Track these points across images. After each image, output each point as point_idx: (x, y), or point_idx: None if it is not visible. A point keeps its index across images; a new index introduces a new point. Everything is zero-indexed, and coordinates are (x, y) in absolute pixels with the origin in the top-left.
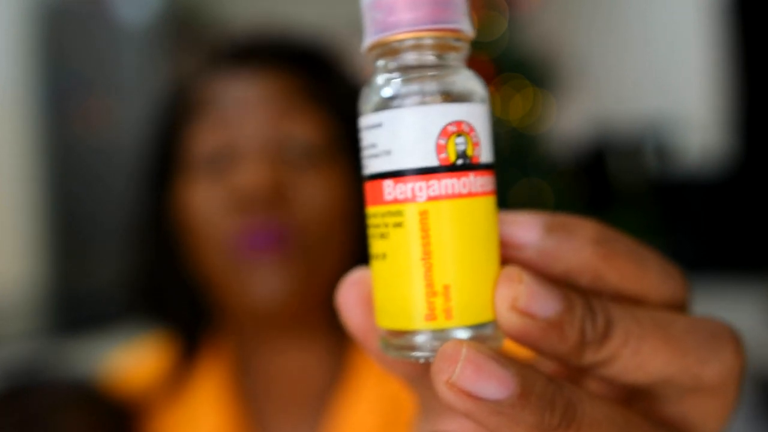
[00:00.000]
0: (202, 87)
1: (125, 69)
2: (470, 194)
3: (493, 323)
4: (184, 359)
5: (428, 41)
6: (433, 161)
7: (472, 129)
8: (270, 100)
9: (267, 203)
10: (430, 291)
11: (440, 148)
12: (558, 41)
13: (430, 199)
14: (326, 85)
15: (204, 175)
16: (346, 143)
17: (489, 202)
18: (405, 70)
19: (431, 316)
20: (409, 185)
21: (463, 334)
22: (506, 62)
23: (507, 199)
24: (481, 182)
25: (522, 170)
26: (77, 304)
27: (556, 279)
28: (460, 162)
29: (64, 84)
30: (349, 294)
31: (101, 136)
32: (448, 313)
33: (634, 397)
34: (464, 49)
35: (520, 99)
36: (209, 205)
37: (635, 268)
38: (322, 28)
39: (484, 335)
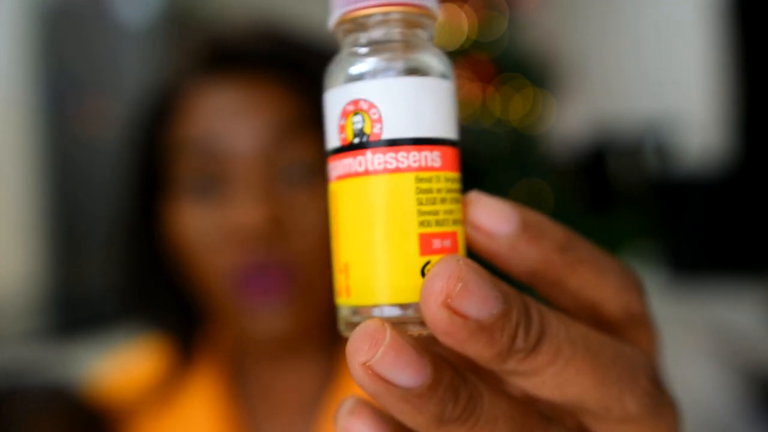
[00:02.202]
0: (185, 101)
1: (125, 69)
2: (366, 173)
3: (413, 307)
4: (177, 363)
5: (396, 15)
6: (336, 142)
7: (372, 105)
8: (262, 125)
9: (264, 239)
10: (337, 267)
11: (341, 129)
12: (558, 41)
13: (337, 179)
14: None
15: (192, 196)
16: None
17: (396, 180)
18: (367, 46)
19: (338, 292)
20: (329, 166)
21: (390, 312)
22: (506, 62)
23: (507, 199)
24: (381, 160)
25: (522, 170)
26: (76, 304)
27: (515, 276)
28: (356, 141)
29: (64, 84)
30: None
31: (101, 136)
32: (347, 291)
33: (540, 402)
34: (430, 27)
35: (520, 99)
36: (203, 232)
37: (596, 277)
38: (323, 28)
39: (409, 318)
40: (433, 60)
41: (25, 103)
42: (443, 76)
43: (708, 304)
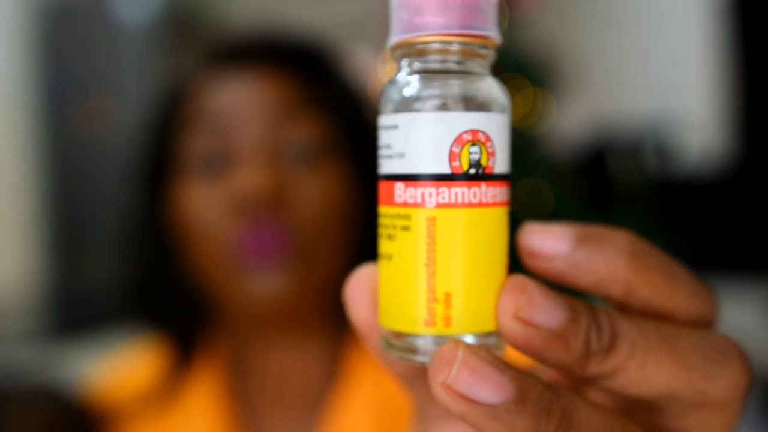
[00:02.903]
0: (197, 87)
1: (125, 69)
2: (480, 204)
3: (497, 334)
4: (178, 362)
5: (455, 46)
6: (445, 168)
7: (488, 138)
8: (267, 102)
9: (267, 205)
10: (432, 297)
11: (453, 156)
12: (558, 41)
13: (440, 206)
14: (324, 86)
15: (200, 177)
16: (345, 144)
17: (500, 213)
18: (428, 72)
19: (431, 322)
20: (420, 190)
21: (468, 340)
22: (506, 62)
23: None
24: (492, 193)
25: (522, 170)
26: (76, 304)
27: (586, 290)
28: (473, 171)
29: (64, 84)
30: (356, 288)
31: (101, 136)
32: (447, 321)
33: (638, 410)
34: (490, 57)
35: (520, 99)
36: (206, 207)
37: (667, 284)
38: (323, 29)
39: (487, 343)
40: (501, 95)
41: (25, 103)
42: (509, 111)
43: None
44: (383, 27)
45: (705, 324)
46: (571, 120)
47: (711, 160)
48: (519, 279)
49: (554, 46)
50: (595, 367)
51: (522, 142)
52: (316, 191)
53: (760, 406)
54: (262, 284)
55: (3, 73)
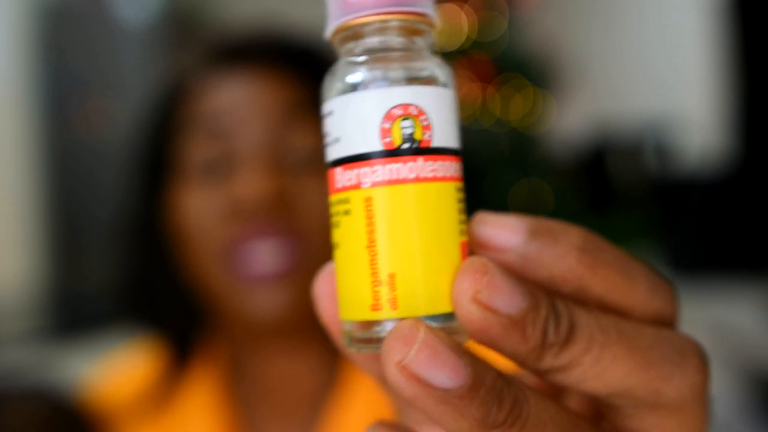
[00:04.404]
0: (196, 88)
1: (125, 69)
2: (418, 179)
3: (452, 316)
4: (175, 365)
5: (393, 24)
6: (377, 145)
7: (421, 112)
8: (268, 103)
9: (268, 212)
10: (375, 280)
11: (385, 132)
12: (558, 41)
13: (375, 185)
14: None
15: (200, 181)
16: None
17: (444, 188)
18: (365, 54)
19: (377, 305)
20: (355, 171)
21: (428, 323)
22: (506, 62)
23: (507, 199)
24: (432, 167)
25: (522, 170)
26: (76, 304)
27: (538, 285)
28: (406, 146)
29: (64, 84)
30: (323, 286)
31: (101, 136)
32: (393, 303)
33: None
34: (428, 34)
35: (520, 99)
36: (206, 213)
37: (622, 280)
38: (315, 28)
39: (452, 327)
40: (439, 70)
41: (26, 103)
42: (451, 86)
43: (708, 304)
44: None
45: (665, 321)
46: (571, 120)
47: (711, 160)
48: (480, 260)
49: (554, 46)
50: (550, 360)
51: (522, 142)
52: (318, 199)
53: (760, 406)
54: (262, 301)
55: (3, 73)
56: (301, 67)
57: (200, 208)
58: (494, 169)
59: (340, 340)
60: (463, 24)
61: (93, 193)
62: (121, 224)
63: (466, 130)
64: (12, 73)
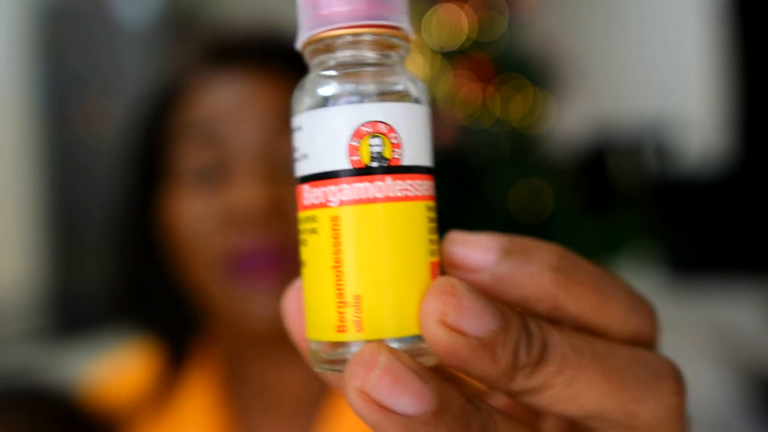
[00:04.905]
0: (189, 91)
1: (125, 69)
2: (387, 199)
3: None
4: (171, 367)
5: (366, 37)
6: (344, 164)
7: (391, 129)
8: (263, 107)
9: (262, 221)
10: (341, 301)
11: (352, 150)
12: (558, 41)
13: (342, 203)
14: None
15: (194, 187)
16: None
17: (413, 208)
18: (337, 68)
19: (342, 327)
20: (322, 189)
21: (395, 345)
22: (506, 62)
23: (507, 199)
24: (402, 186)
25: (522, 170)
26: (76, 304)
27: (512, 305)
28: (375, 164)
29: (64, 84)
30: (290, 302)
31: (101, 136)
32: (358, 325)
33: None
34: (402, 48)
35: (520, 99)
36: (200, 220)
37: (597, 299)
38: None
39: (419, 348)
40: (412, 85)
41: (26, 103)
42: (425, 102)
43: (708, 304)
44: None
45: (643, 341)
46: (571, 120)
47: (711, 160)
48: (448, 280)
49: (554, 46)
50: (521, 382)
51: (522, 142)
52: None
53: (760, 406)
54: (257, 307)
55: (3, 72)
56: (296, 67)
57: (195, 216)
58: (494, 169)
59: (308, 358)
60: (463, 24)
61: (93, 193)
62: (115, 227)
63: (466, 130)
64: (12, 73)
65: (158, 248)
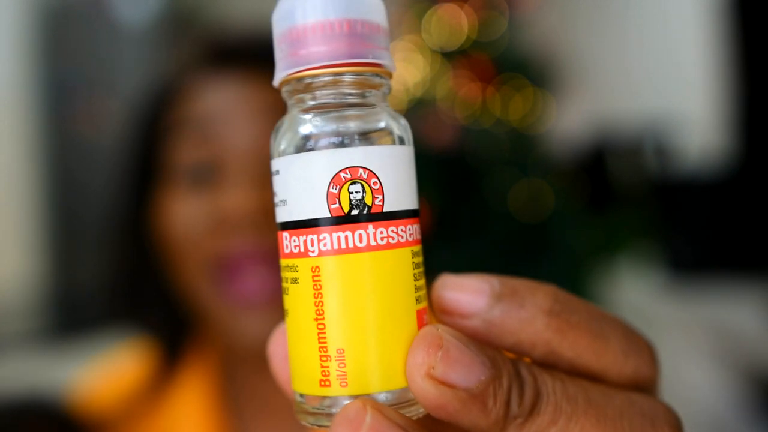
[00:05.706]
0: (184, 91)
1: (125, 69)
2: (369, 248)
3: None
4: (165, 368)
5: (347, 77)
6: (323, 212)
7: (372, 174)
8: (259, 109)
9: (252, 226)
10: (324, 355)
11: (332, 198)
12: (558, 41)
13: (322, 254)
14: None
15: (187, 188)
16: None
17: (398, 256)
18: (316, 109)
19: (325, 381)
20: (302, 238)
21: (382, 398)
22: (506, 62)
23: (507, 199)
24: (384, 234)
25: (522, 170)
26: (75, 304)
27: (506, 350)
28: (355, 212)
29: (64, 84)
30: (275, 346)
31: (101, 136)
32: (342, 380)
33: None
34: (384, 86)
35: (520, 99)
36: (193, 222)
37: (593, 342)
38: None
39: (408, 399)
40: (394, 124)
41: (26, 103)
42: (408, 140)
43: (708, 304)
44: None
45: (642, 382)
46: (571, 120)
47: (711, 160)
48: (434, 331)
49: (554, 46)
50: None
51: (522, 142)
52: None
53: (760, 406)
54: (248, 326)
55: (3, 72)
56: None
57: (187, 217)
58: (494, 169)
59: (293, 408)
60: (463, 24)
61: (93, 194)
62: (110, 227)
63: (466, 130)
64: (12, 73)
65: (153, 249)
